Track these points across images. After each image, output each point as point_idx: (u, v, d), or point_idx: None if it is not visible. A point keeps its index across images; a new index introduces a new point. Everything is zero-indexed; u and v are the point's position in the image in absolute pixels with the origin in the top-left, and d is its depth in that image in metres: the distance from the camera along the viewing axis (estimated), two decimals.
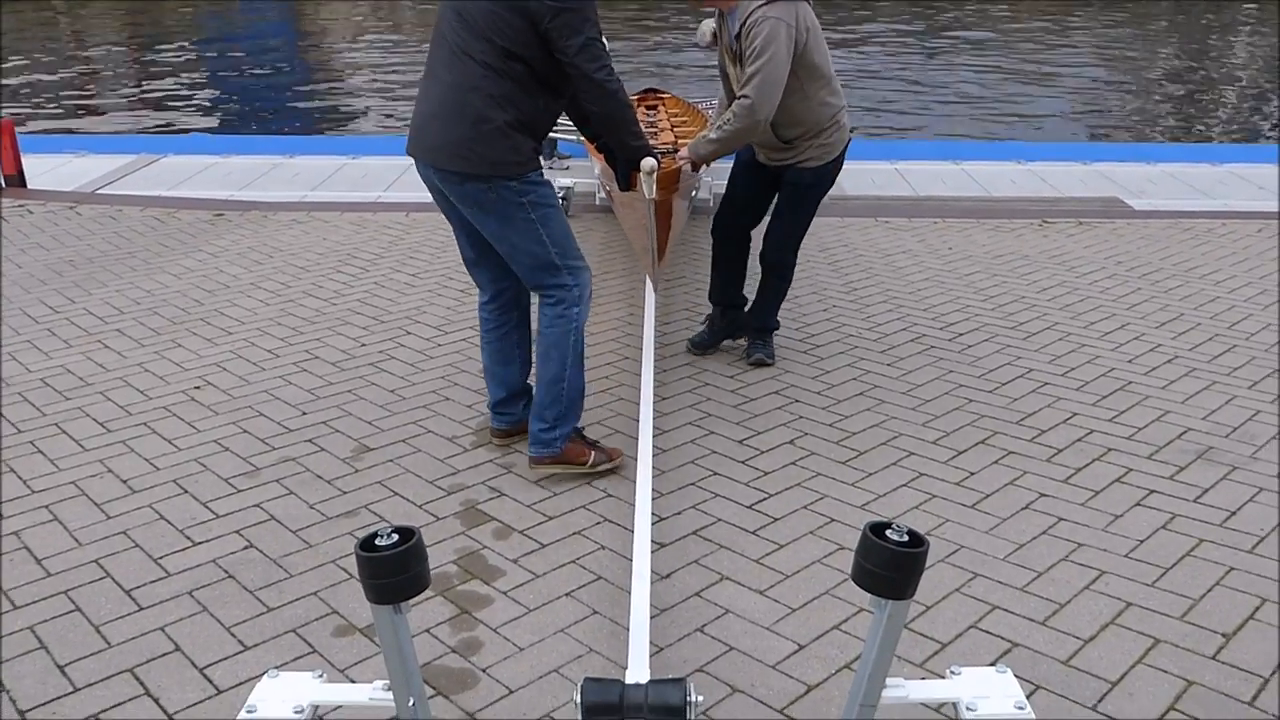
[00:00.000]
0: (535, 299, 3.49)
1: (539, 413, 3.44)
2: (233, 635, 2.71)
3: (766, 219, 4.47)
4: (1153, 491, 3.42)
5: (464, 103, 3.12)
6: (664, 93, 9.07)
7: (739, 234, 4.52)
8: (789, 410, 4.05)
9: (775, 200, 4.37)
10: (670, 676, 2.15)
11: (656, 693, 2.11)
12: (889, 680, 2.04)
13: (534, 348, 3.51)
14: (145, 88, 16.99)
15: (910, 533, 1.89)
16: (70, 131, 13.24)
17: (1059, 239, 6.60)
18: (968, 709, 2.03)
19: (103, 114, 14.68)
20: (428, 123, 3.22)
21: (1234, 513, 3.28)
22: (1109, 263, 6.05)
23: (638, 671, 2.24)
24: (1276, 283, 5.62)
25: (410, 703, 2.02)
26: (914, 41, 21.20)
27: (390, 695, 2.05)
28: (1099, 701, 2.43)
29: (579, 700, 2.10)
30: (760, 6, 3.75)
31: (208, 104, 15.55)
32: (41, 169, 8.49)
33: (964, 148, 10.30)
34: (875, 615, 1.94)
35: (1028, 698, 2.11)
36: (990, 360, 4.56)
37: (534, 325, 3.55)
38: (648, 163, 3.37)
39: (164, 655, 2.63)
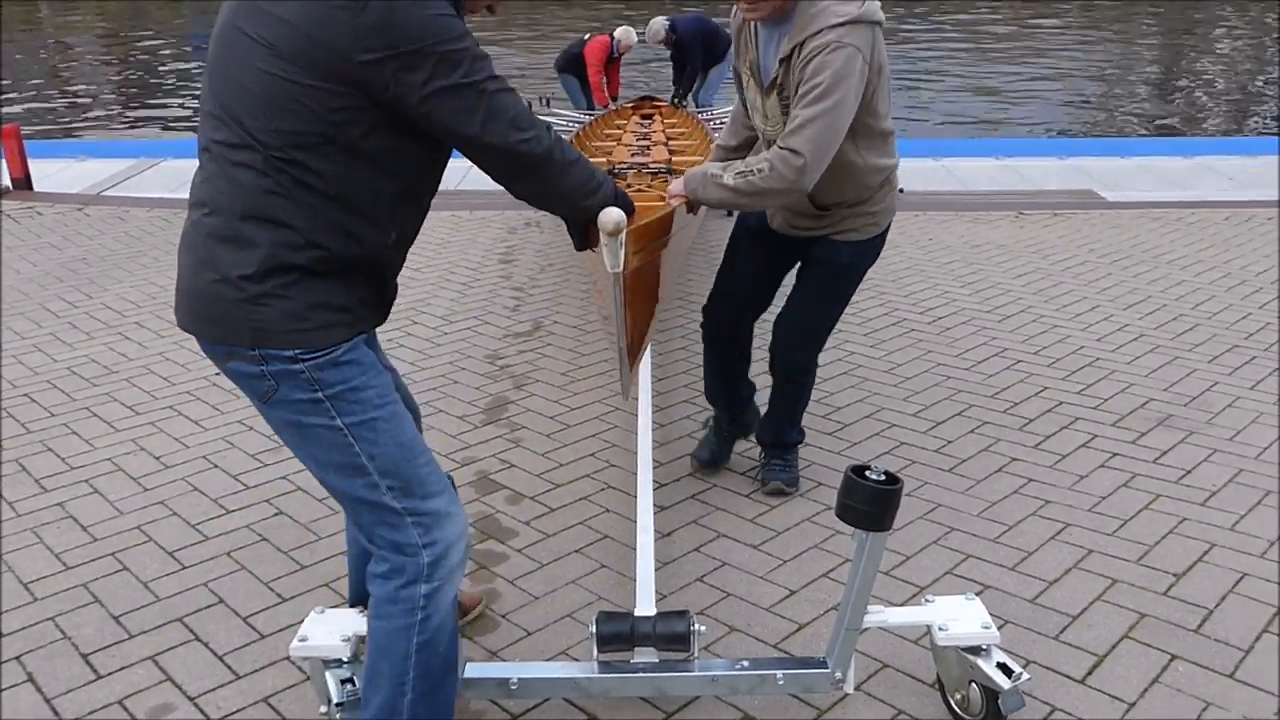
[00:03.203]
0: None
1: None
2: (271, 589, 2.96)
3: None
4: (1116, 454, 3.68)
5: (233, 228, 1.86)
6: (661, 100, 9.03)
7: (740, 330, 3.38)
8: None
9: (796, 278, 3.29)
10: (675, 610, 2.40)
11: (664, 623, 2.37)
12: (870, 607, 2.30)
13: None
14: (135, 91, 17.18)
15: (886, 473, 2.15)
16: (68, 134, 13.45)
17: (1034, 229, 6.88)
18: (940, 629, 2.29)
19: (94, 119, 14.87)
20: (179, 256, 1.99)
21: (1189, 471, 3.55)
22: (1081, 250, 6.33)
23: (645, 607, 2.49)
24: (1240, 267, 5.90)
25: None
26: (890, 35, 21.52)
27: None
28: (1060, 632, 2.70)
29: (594, 631, 2.36)
30: (837, 26, 2.66)
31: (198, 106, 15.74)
32: (46, 172, 8.71)
33: (943, 145, 10.59)
34: (857, 547, 2.20)
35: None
36: (967, 341, 4.83)
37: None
38: (609, 217, 2.07)
39: (209, 606, 2.88)
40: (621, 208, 2.12)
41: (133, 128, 14.33)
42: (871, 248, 3.15)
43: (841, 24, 2.66)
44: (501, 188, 2.03)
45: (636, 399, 3.65)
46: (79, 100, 16.66)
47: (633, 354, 2.62)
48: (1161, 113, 15.17)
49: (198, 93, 16.89)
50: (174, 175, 8.82)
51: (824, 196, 2.97)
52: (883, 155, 2.98)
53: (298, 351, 1.90)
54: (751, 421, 3.61)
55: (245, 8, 1.83)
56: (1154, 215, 7.21)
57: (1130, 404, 4.10)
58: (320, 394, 1.93)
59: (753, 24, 2.89)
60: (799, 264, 3.27)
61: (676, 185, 2.93)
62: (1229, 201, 7.67)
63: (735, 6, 2.86)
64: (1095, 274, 5.84)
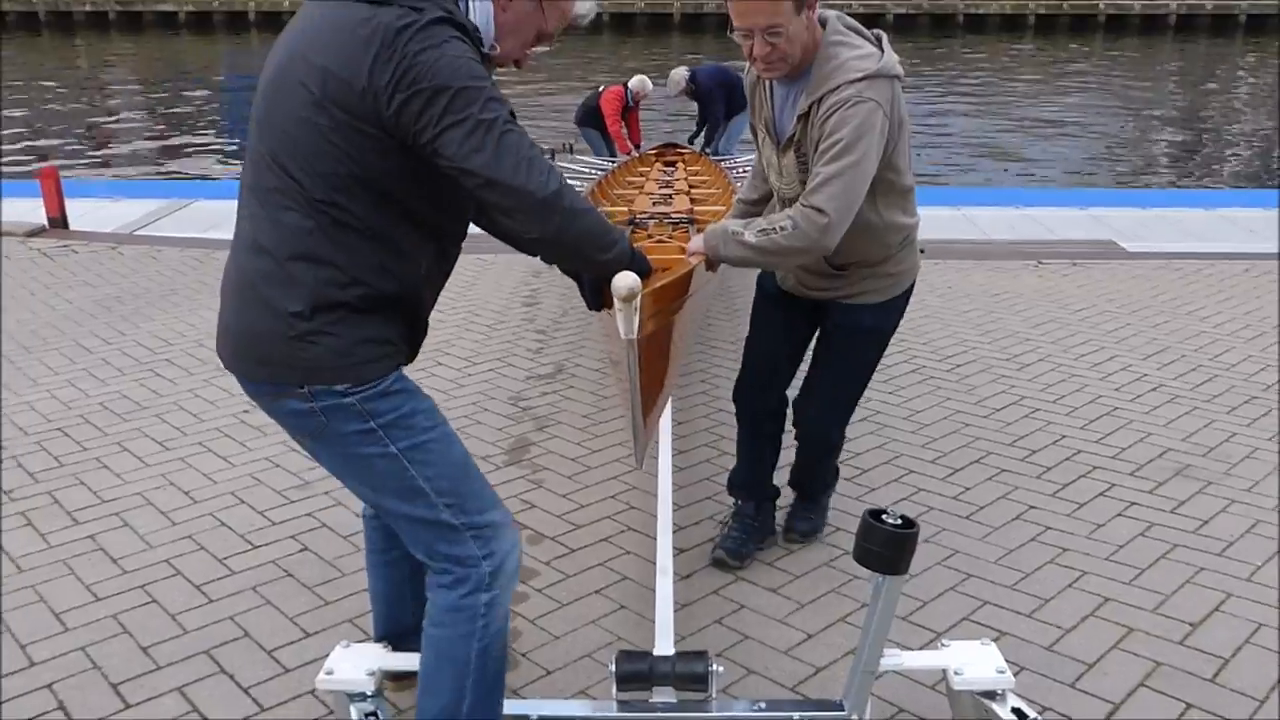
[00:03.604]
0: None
1: None
2: (295, 624, 3.01)
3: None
4: (1134, 504, 3.71)
5: (284, 269, 1.94)
6: (683, 148, 8.93)
7: (773, 402, 3.32)
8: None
9: (815, 346, 3.21)
10: (693, 650, 2.44)
11: (683, 663, 2.41)
12: (886, 650, 2.33)
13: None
14: (167, 131, 17.49)
15: (903, 517, 2.19)
16: (101, 165, 13.72)
17: (1053, 279, 6.92)
18: (955, 673, 2.33)
19: (128, 156, 15.15)
20: (224, 299, 2.07)
21: (1206, 521, 3.57)
22: (1100, 300, 6.36)
23: (664, 647, 2.53)
24: (1260, 318, 5.91)
25: None
26: (913, 85, 21.68)
27: None
28: (1076, 680, 2.72)
29: (613, 669, 2.40)
30: (856, 81, 2.62)
31: (229, 146, 16.04)
32: (81, 211, 8.86)
33: (964, 194, 10.66)
34: (873, 590, 2.23)
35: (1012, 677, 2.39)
36: (985, 389, 4.86)
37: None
38: (623, 282, 2.00)
39: (235, 640, 2.93)
40: (637, 270, 2.07)
41: (164, 166, 14.59)
42: (893, 309, 3.05)
43: (861, 79, 2.62)
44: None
45: (657, 442, 3.69)
46: (114, 140, 16.98)
47: (647, 419, 2.50)
48: (1183, 164, 15.23)
49: (229, 133, 17.23)
50: (205, 216, 8.98)
51: (841, 256, 2.87)
52: (903, 213, 2.92)
53: (347, 386, 1.98)
54: (772, 524, 3.49)
55: (291, 58, 1.94)
56: (1174, 266, 7.23)
57: (1148, 453, 4.12)
58: (373, 424, 2.00)
59: (767, 81, 2.86)
60: (817, 333, 3.18)
61: (696, 242, 2.85)
62: (1249, 253, 7.67)
63: (749, 64, 2.81)
64: (1114, 324, 5.87)
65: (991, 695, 2.30)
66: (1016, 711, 2.27)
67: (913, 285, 3.08)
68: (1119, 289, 6.64)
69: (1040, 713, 2.55)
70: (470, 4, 2.01)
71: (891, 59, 2.71)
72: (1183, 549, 3.39)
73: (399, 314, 2.05)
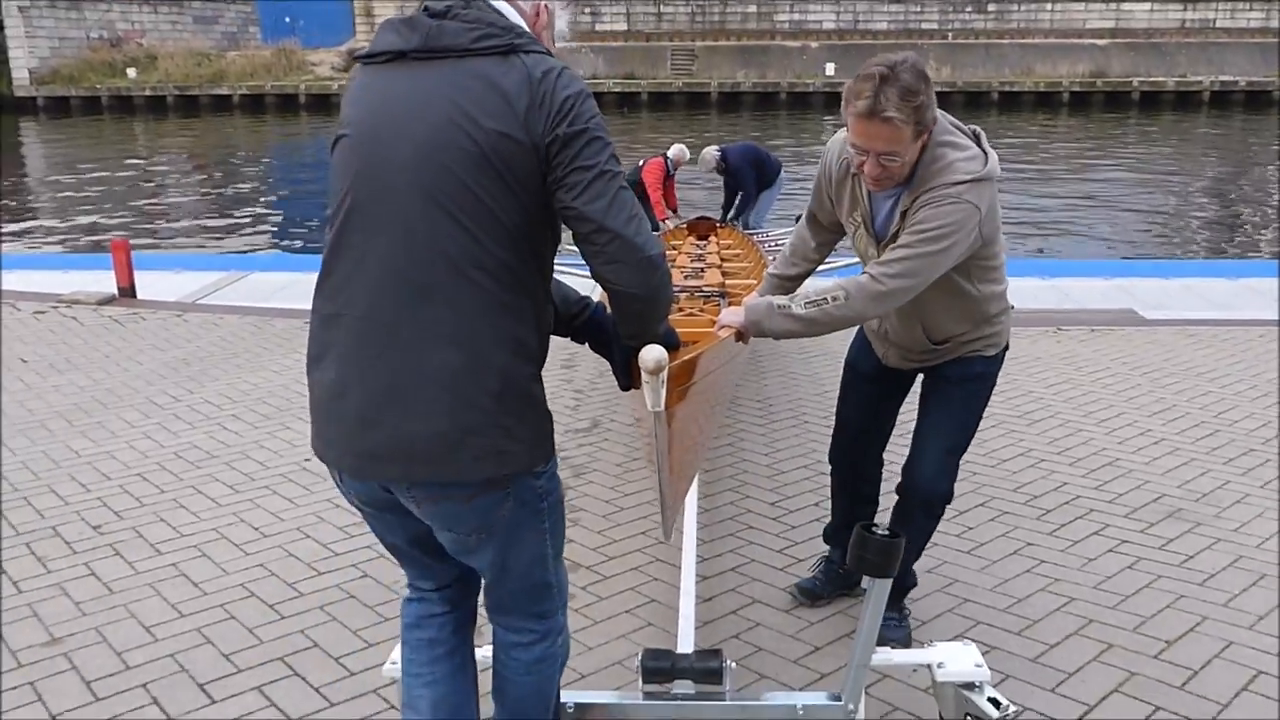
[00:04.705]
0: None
1: None
2: (359, 636, 3.38)
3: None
4: (1125, 541, 4.00)
5: (475, 354, 1.95)
6: (717, 221, 9.32)
7: (871, 467, 3.49)
8: (814, 481, 4.68)
9: (923, 403, 3.22)
10: (710, 648, 2.77)
11: (700, 659, 2.74)
12: (878, 649, 2.65)
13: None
14: (225, 208, 18.27)
15: (890, 529, 2.54)
16: (163, 240, 14.40)
17: (1071, 344, 7.22)
18: (938, 667, 2.64)
19: (188, 231, 15.88)
20: (377, 405, 1.97)
21: (1192, 557, 3.86)
22: (1114, 364, 6.66)
23: (685, 647, 2.87)
24: (1268, 380, 6.19)
25: None
26: None
27: None
28: (1056, 686, 3.02)
29: (639, 664, 2.73)
30: (957, 185, 2.69)
31: (280, 224, 16.75)
32: (147, 281, 9.42)
33: None
34: (867, 592, 2.56)
35: (997, 686, 2.69)
36: (995, 442, 5.17)
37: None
38: (650, 355, 2.01)
39: (306, 649, 3.30)
40: (665, 343, 2.11)
41: (223, 240, 15.29)
42: (1000, 358, 3.16)
43: (966, 181, 2.69)
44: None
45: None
46: (173, 216, 17.77)
47: (676, 490, 2.56)
48: (1212, 236, 15.49)
49: (278, 208, 17.94)
50: (262, 287, 9.52)
51: (943, 332, 3.02)
52: (996, 283, 3.01)
53: (540, 467, 2.06)
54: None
55: (436, 125, 1.95)
56: (1189, 332, 7.51)
57: (1144, 498, 4.42)
58: (544, 504, 2.11)
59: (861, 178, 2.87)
60: (922, 391, 3.24)
61: (728, 316, 2.91)
62: (1265, 320, 7.93)
63: (843, 160, 2.91)
64: (1125, 385, 6.16)
65: (970, 686, 2.61)
66: (993, 701, 2.58)
67: (1009, 342, 3.21)
68: (1134, 353, 6.93)
69: (1019, 709, 2.85)
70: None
71: (994, 161, 2.79)
72: (1167, 579, 3.68)
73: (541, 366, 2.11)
